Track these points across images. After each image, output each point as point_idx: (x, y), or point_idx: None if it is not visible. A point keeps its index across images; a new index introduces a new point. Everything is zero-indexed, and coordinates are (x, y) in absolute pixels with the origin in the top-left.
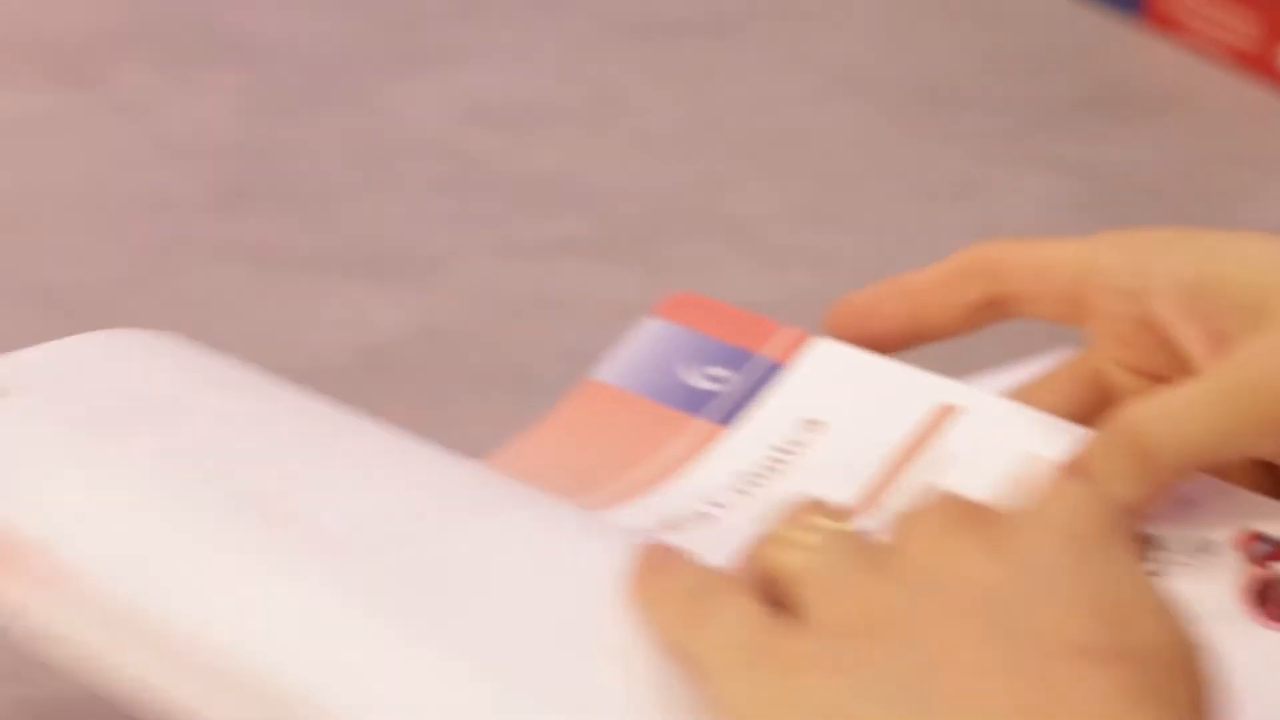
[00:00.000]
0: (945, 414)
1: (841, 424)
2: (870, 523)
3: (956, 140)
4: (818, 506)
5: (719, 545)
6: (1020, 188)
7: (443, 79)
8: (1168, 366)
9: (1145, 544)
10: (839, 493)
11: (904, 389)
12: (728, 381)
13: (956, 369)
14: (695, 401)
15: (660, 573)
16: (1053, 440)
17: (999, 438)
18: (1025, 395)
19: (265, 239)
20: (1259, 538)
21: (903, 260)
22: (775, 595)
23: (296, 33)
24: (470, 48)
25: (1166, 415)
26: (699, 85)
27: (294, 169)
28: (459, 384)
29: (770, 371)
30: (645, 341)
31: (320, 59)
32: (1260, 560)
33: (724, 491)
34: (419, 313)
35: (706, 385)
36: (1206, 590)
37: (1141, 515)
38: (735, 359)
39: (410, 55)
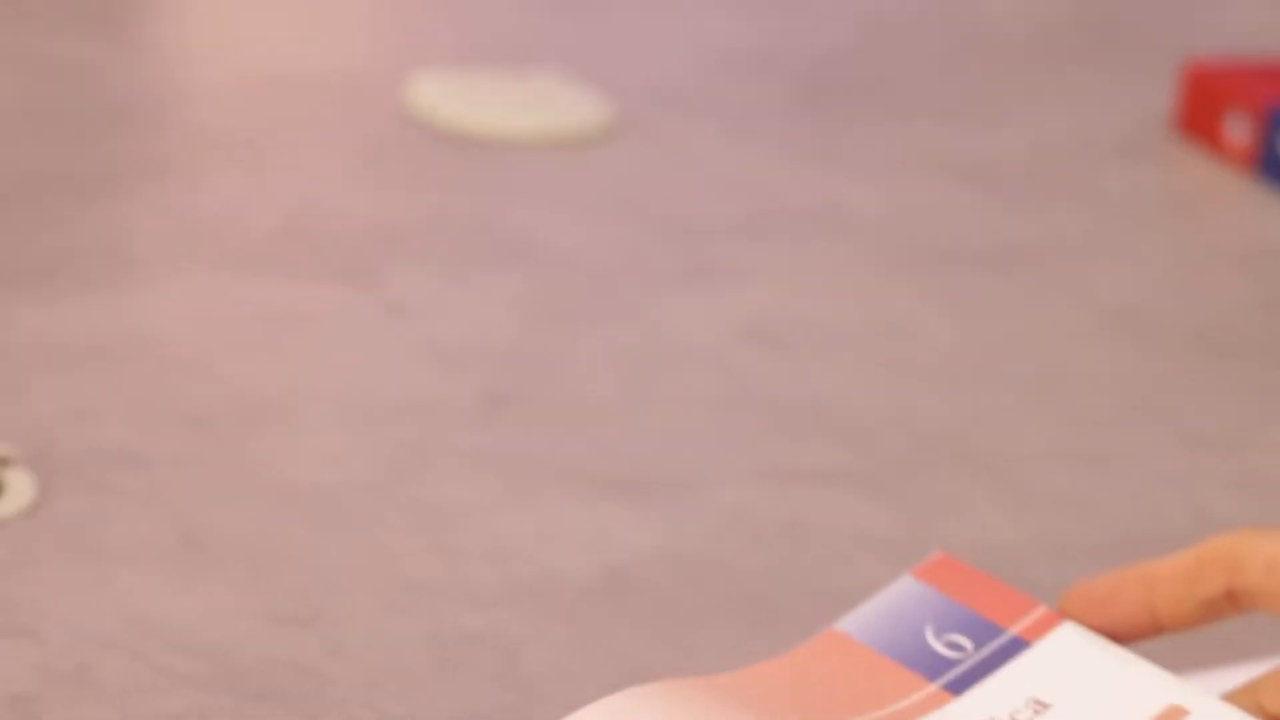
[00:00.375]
0: (1174, 716)
1: (1068, 709)
2: None
3: (1230, 389)
4: None
5: None
6: None
7: (720, 295)
8: None
9: None
10: None
11: (1138, 684)
12: (969, 652)
13: (1195, 656)
14: (934, 667)
15: None
16: None
17: None
18: (1253, 692)
19: (521, 448)
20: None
21: (1159, 508)
22: None
23: (580, 240)
24: (752, 267)
25: None
26: (972, 315)
27: (560, 378)
28: (699, 611)
29: (1014, 647)
30: (897, 600)
31: (601, 267)
32: None
33: None
34: (665, 535)
35: (948, 653)
36: None
37: None
38: (984, 632)
39: (691, 269)
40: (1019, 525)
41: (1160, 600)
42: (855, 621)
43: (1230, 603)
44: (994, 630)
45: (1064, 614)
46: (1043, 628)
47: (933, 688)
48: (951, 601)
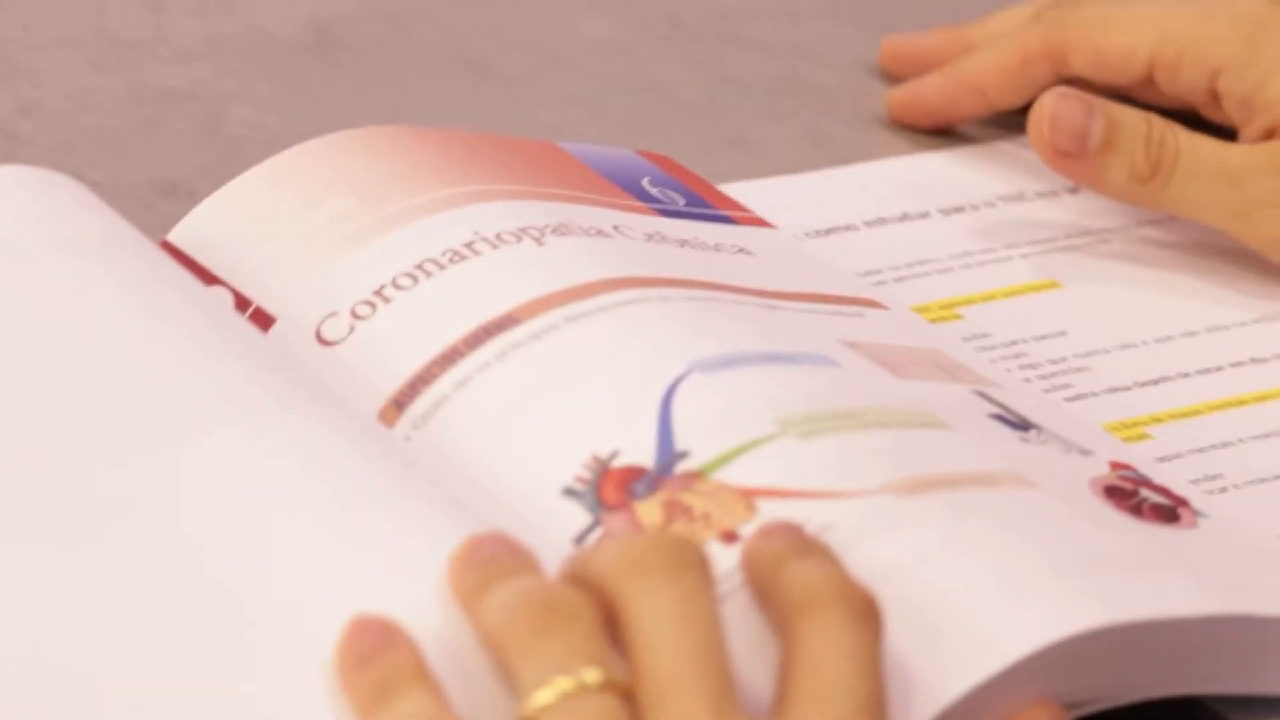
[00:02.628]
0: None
1: (768, 261)
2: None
3: None
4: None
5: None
6: None
7: None
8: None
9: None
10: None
11: (833, 270)
12: (679, 205)
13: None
14: (645, 198)
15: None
16: None
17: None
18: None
19: None
20: (1130, 467)
21: None
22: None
23: None
24: None
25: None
26: None
27: None
28: (411, 68)
29: (722, 219)
30: (619, 154)
31: None
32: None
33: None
34: None
35: (660, 196)
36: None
37: None
38: (697, 201)
39: None
40: None
41: (995, 101)
42: (572, 147)
43: (1061, 82)
44: (705, 203)
45: (894, 118)
46: (756, 222)
47: (640, 204)
48: (670, 175)
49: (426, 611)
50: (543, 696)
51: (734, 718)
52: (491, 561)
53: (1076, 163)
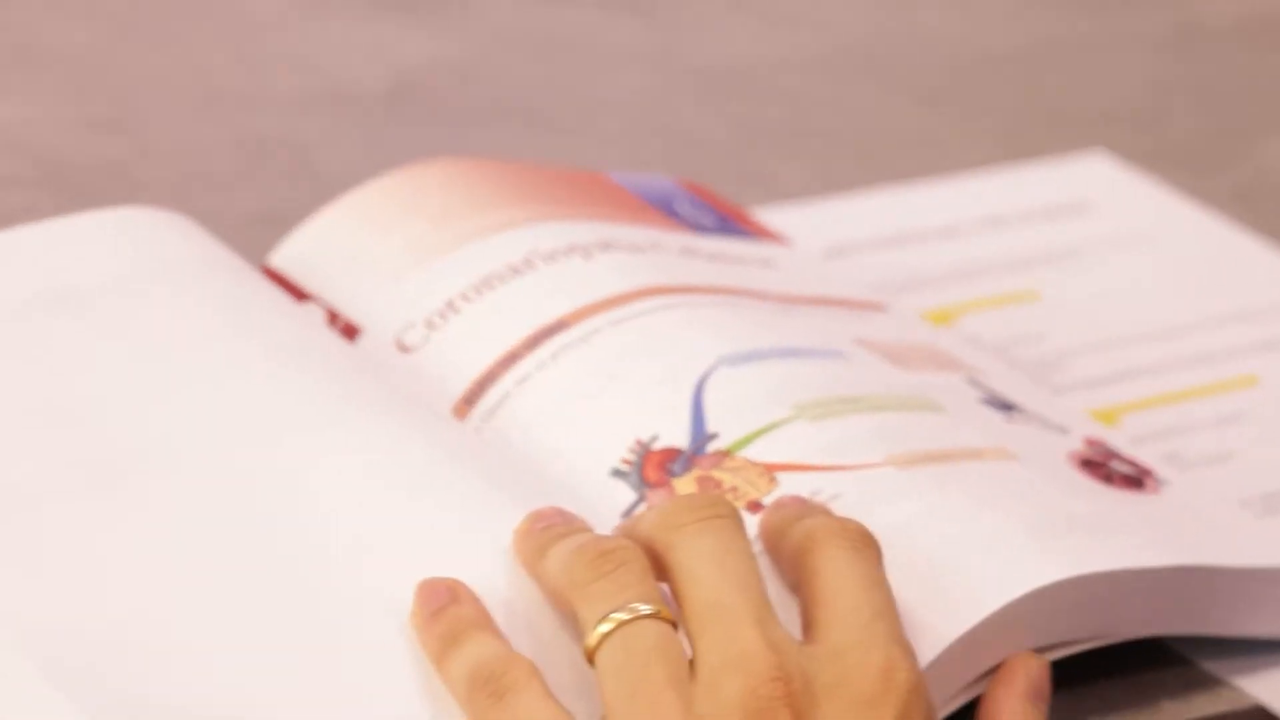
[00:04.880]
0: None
1: (792, 269)
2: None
3: None
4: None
5: None
6: None
7: None
8: None
9: (1008, 407)
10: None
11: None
12: (711, 227)
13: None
14: (681, 220)
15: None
16: None
17: None
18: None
19: None
20: (1101, 443)
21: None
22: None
23: None
24: None
25: None
26: None
27: None
28: (476, 116)
29: (753, 236)
30: (652, 177)
31: None
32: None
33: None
34: (443, 46)
35: (694, 217)
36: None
37: None
38: (728, 225)
39: None
40: (763, 41)
41: None
42: (616, 175)
43: None
44: (732, 223)
45: None
46: (777, 240)
47: (675, 223)
48: (701, 199)
49: (494, 574)
50: (602, 628)
51: (775, 628)
52: (550, 529)
53: None
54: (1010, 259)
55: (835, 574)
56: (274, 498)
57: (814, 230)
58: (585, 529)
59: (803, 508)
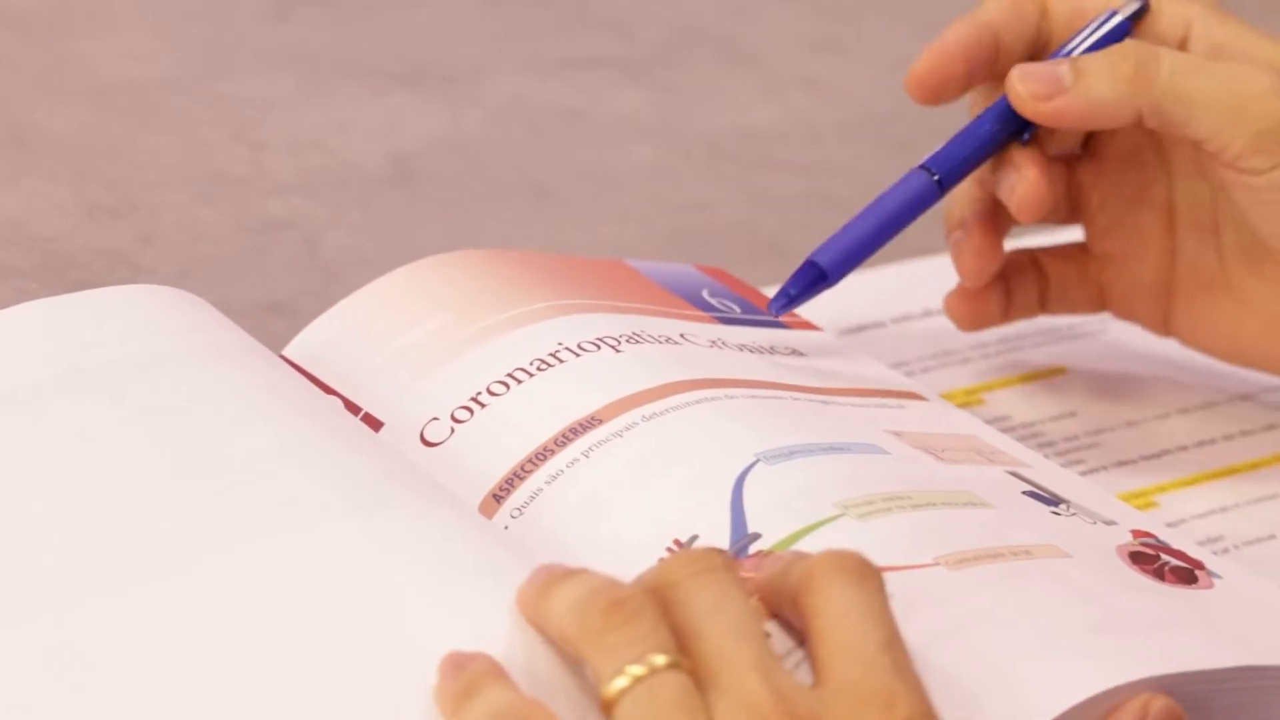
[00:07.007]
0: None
1: (818, 357)
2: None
3: None
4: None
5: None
6: None
7: None
8: None
9: (1056, 500)
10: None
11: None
12: (736, 313)
13: None
14: (705, 308)
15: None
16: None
17: None
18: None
19: (313, 48)
20: (1151, 535)
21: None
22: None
23: None
24: None
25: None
26: None
27: None
28: (483, 195)
29: (774, 324)
30: (676, 268)
31: None
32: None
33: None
34: (448, 124)
35: (718, 305)
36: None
37: None
38: (751, 309)
39: None
40: (771, 108)
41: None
42: (637, 264)
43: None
44: (757, 310)
45: (917, 91)
46: (804, 325)
47: (702, 314)
48: (725, 286)
49: (511, 651)
50: (619, 682)
51: (780, 677)
52: (549, 568)
53: (1056, 102)
54: (1036, 332)
55: (837, 612)
56: (299, 579)
57: (832, 307)
58: (585, 569)
59: (792, 556)
